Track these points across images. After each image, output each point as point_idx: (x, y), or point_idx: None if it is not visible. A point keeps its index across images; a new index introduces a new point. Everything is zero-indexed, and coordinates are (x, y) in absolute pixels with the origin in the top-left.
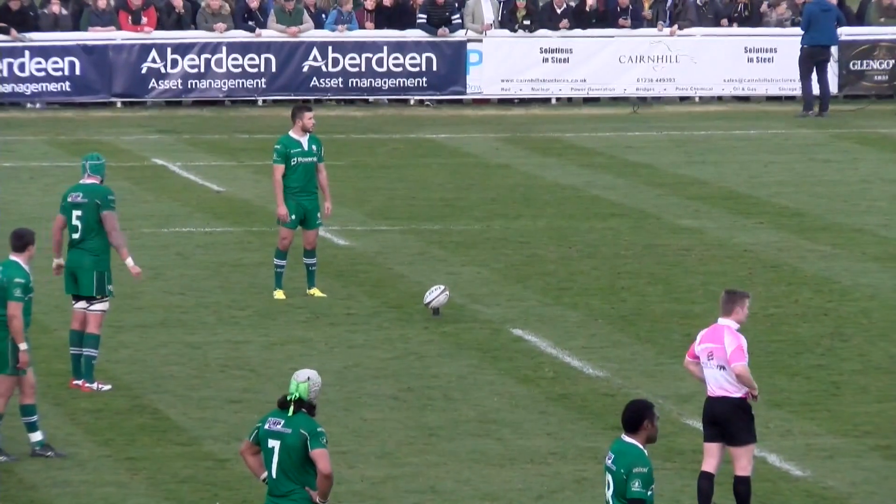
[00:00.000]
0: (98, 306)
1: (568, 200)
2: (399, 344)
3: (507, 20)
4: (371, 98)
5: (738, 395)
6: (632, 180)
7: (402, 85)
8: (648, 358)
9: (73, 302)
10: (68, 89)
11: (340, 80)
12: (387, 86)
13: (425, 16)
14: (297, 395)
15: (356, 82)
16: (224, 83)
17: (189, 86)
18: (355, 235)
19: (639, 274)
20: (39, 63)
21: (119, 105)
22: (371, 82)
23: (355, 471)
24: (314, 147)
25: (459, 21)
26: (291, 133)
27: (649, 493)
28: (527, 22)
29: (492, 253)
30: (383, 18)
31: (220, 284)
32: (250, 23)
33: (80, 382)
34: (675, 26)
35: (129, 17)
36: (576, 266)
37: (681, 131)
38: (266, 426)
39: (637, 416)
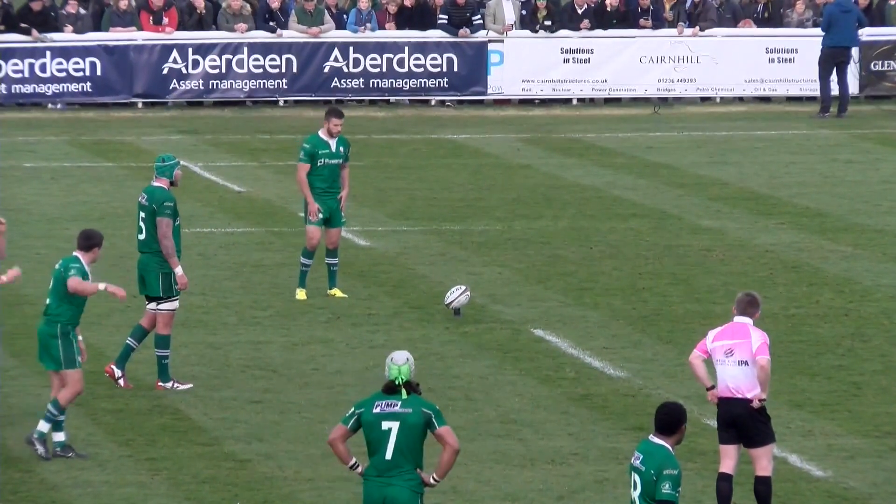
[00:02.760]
0: (166, 306)
1: (589, 201)
2: (420, 344)
3: (528, 21)
4: (392, 98)
5: (751, 394)
6: (653, 181)
7: (423, 85)
8: (670, 358)
9: (146, 302)
10: (89, 90)
11: (361, 80)
12: (408, 86)
13: (446, 16)
14: (403, 378)
15: (377, 83)
16: (245, 83)
17: (210, 86)
18: (376, 236)
19: (660, 274)
20: (60, 63)
21: (140, 105)
22: (392, 83)
23: None
24: (342, 149)
25: (480, 22)
26: (320, 133)
27: (677, 494)
28: (548, 22)
29: (513, 253)
30: (404, 19)
31: (242, 285)
32: (271, 23)
33: (119, 373)
34: (697, 27)
35: (151, 18)
36: (597, 266)
37: (702, 132)
38: (376, 409)
39: (675, 420)
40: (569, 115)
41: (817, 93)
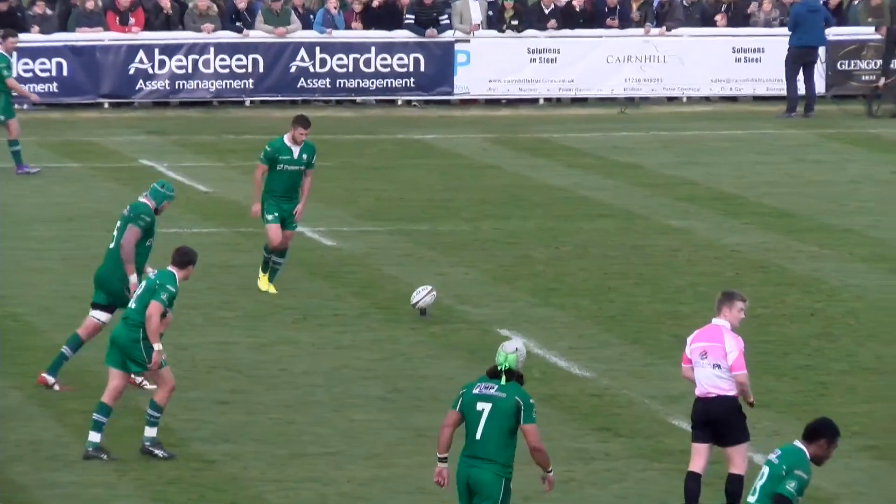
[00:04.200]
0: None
1: (556, 201)
2: (387, 345)
3: (495, 21)
4: (359, 99)
5: (732, 392)
6: (620, 181)
7: (389, 85)
8: (636, 358)
9: (92, 310)
10: (56, 90)
11: (328, 80)
12: (374, 86)
13: (413, 16)
14: (507, 366)
15: (344, 83)
16: (212, 84)
17: (177, 86)
18: (343, 236)
19: (627, 275)
20: (27, 64)
21: (107, 106)
22: (359, 83)
23: (343, 472)
24: (305, 156)
25: (447, 21)
26: (285, 138)
27: (798, 499)
28: (514, 22)
29: (480, 254)
30: (371, 19)
31: (209, 286)
32: (238, 23)
33: (52, 380)
34: (664, 27)
35: (117, 18)
36: (564, 267)
37: (669, 132)
38: (475, 391)
39: (819, 431)
40: (536, 115)
41: (784, 92)
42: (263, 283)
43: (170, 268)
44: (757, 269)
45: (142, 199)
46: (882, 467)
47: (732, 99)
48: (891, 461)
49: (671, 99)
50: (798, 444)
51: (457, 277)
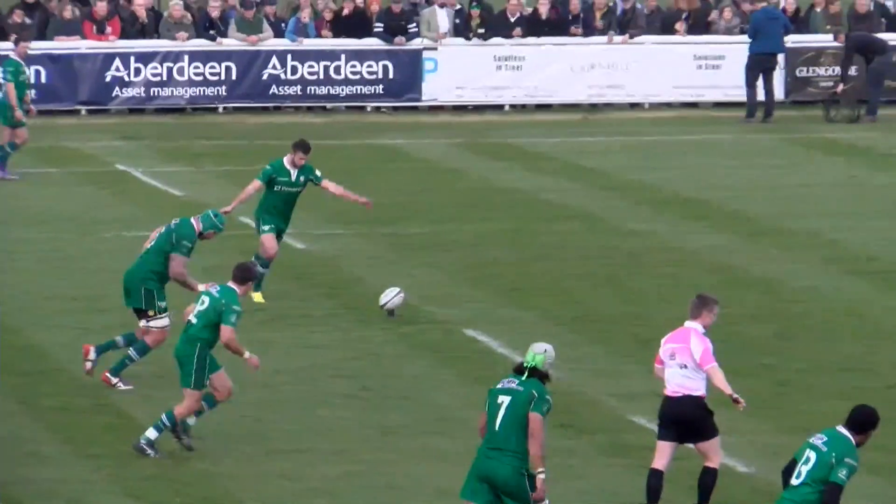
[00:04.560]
0: (154, 323)
1: (521, 204)
2: (357, 345)
3: (462, 29)
4: (329, 105)
5: (699, 393)
6: (583, 184)
7: (359, 92)
8: (598, 357)
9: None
10: (34, 97)
11: (299, 87)
12: (344, 93)
13: (382, 25)
14: (533, 364)
15: (314, 90)
16: (186, 91)
17: (152, 93)
18: (312, 239)
19: (590, 276)
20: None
21: (84, 112)
22: (329, 90)
23: (313, 468)
24: (302, 178)
25: (416, 30)
26: (285, 161)
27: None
28: (481, 30)
29: (446, 255)
30: (341, 27)
31: (182, 287)
32: (211, 32)
33: (115, 380)
34: (627, 35)
35: (94, 27)
36: (528, 268)
37: (631, 137)
38: (499, 385)
39: (870, 422)
40: (501, 121)
41: (744, 98)
42: (258, 297)
43: (230, 284)
44: (717, 270)
45: (192, 221)
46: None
47: (693, 105)
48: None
49: (633, 105)
50: (842, 430)
51: (423, 279)
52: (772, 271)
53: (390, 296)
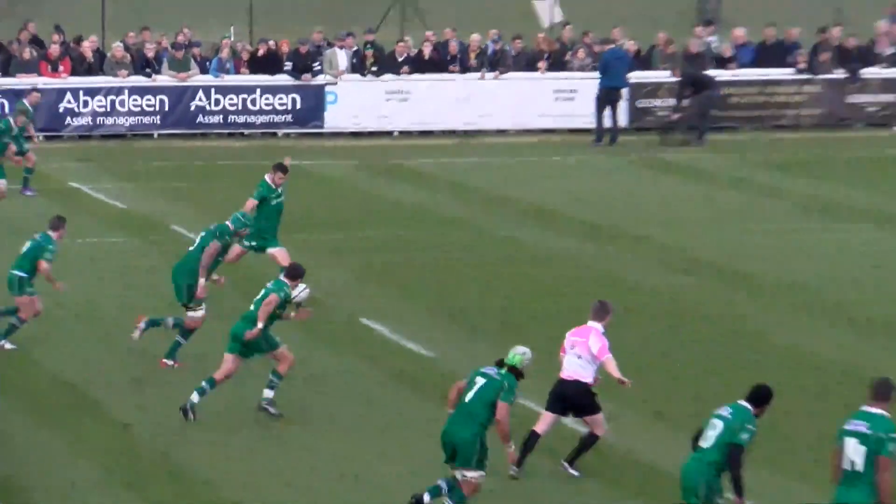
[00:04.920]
0: (191, 314)
1: (408, 215)
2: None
3: (358, 67)
4: (246, 132)
5: (587, 380)
6: (460, 198)
7: (272, 121)
8: (474, 343)
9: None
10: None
11: (221, 116)
12: (259, 121)
13: (291, 63)
14: (513, 363)
15: (234, 118)
16: (127, 120)
17: (98, 122)
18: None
19: (466, 275)
20: None
21: (41, 138)
22: (246, 119)
23: (238, 435)
24: (282, 192)
25: (319, 68)
26: (267, 179)
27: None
28: (374, 68)
29: (347, 257)
30: (257, 65)
31: (124, 285)
32: (147, 70)
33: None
34: (497, 72)
35: (49, 66)
36: (415, 269)
37: (500, 158)
38: (482, 369)
39: (766, 397)
40: (391, 145)
41: (594, 125)
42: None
43: (282, 277)
44: (572, 269)
45: (227, 223)
46: (664, 428)
47: (552, 131)
48: (670, 424)
49: (501, 131)
50: (743, 403)
51: (327, 276)
52: (615, 269)
53: (297, 290)
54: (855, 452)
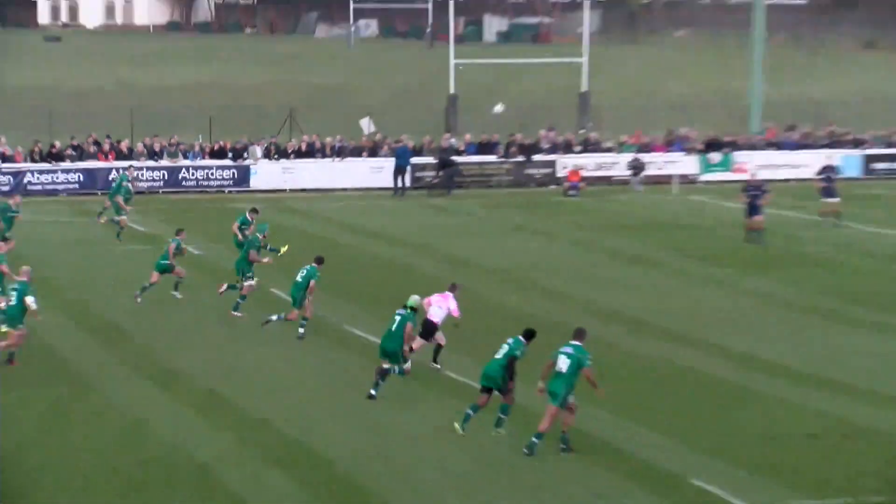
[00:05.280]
0: (246, 283)
1: (298, 235)
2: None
3: (267, 155)
4: (209, 189)
5: (437, 320)
6: (326, 225)
7: (221, 184)
8: (373, 320)
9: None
10: None
11: (195, 182)
12: (215, 184)
13: (232, 153)
14: (411, 304)
15: (203, 182)
16: (145, 184)
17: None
18: (202, 249)
19: (356, 277)
20: None
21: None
22: (209, 183)
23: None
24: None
25: (247, 156)
26: (248, 216)
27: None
28: (275, 156)
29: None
30: (214, 154)
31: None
32: (156, 157)
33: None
34: (341, 158)
35: (104, 155)
36: (335, 276)
37: (345, 203)
38: (398, 311)
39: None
40: (286, 196)
41: (392, 185)
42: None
43: (314, 264)
44: (391, 270)
45: (257, 235)
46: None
47: (371, 189)
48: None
49: (344, 189)
50: (520, 337)
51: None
52: (411, 264)
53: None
54: (563, 363)
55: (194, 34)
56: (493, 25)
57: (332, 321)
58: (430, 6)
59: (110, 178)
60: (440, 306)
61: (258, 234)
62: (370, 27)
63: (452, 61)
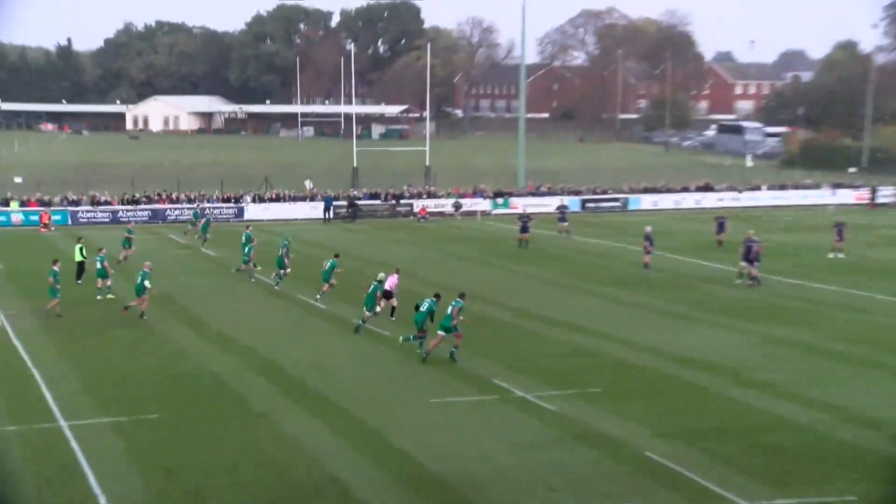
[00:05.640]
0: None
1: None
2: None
3: (255, 200)
4: (216, 220)
5: (389, 287)
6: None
7: (226, 217)
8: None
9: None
10: None
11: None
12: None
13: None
14: (378, 279)
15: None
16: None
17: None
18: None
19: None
20: None
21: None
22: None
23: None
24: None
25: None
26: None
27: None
28: (258, 200)
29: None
30: (227, 200)
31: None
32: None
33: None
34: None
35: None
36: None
37: (298, 228)
38: (375, 280)
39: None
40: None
41: (322, 217)
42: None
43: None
44: (347, 271)
45: (281, 252)
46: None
47: (313, 220)
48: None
49: (288, 220)
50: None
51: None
52: (348, 265)
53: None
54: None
55: (213, 135)
56: (377, 130)
57: (297, 299)
58: (342, 119)
59: (193, 215)
60: (390, 284)
61: (284, 242)
62: (309, 130)
63: (355, 150)
